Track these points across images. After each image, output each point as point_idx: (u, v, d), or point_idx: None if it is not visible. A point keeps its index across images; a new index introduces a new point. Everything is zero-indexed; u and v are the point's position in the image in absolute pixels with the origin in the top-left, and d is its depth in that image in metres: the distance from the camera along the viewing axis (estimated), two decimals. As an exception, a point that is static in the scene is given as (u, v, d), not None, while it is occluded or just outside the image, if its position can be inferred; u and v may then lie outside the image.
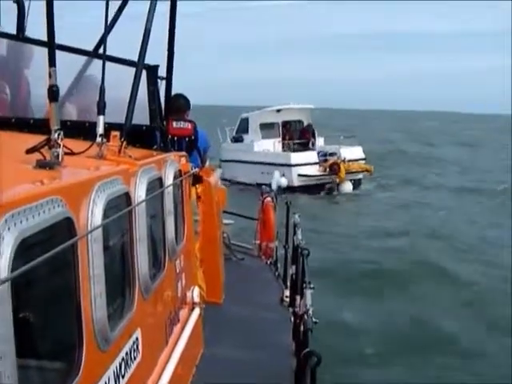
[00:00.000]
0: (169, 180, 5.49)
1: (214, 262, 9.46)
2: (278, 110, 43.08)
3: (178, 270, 5.97)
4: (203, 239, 9.15)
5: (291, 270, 9.85)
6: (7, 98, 6.80)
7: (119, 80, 5.54)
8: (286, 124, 42.90)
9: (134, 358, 4.21)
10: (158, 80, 6.14)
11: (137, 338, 4.29)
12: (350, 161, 39.24)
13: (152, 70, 5.98)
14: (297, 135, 42.81)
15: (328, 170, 38.70)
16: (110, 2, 4.62)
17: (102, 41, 5.49)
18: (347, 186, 39.38)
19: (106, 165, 4.26)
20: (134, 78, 5.26)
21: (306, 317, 6.21)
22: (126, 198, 4.09)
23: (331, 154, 40.03)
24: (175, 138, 8.72)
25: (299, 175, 39.04)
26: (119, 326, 3.85)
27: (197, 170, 7.95)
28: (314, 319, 6.18)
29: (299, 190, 37.84)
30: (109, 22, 5.91)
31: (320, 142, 42.23)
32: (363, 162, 40.52)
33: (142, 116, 6.14)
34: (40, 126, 4.13)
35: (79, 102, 6.72)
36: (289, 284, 10.09)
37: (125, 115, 5.28)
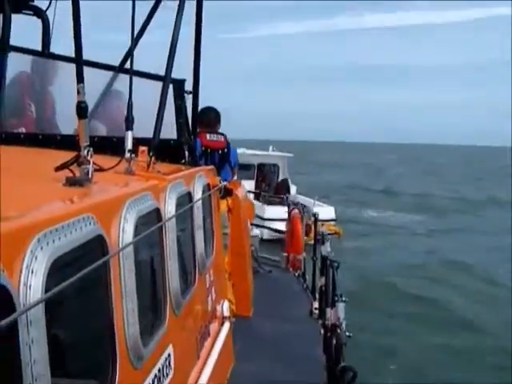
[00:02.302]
0: (198, 194, 5.47)
1: (243, 275, 9.42)
2: (258, 155, 42.97)
3: (207, 285, 5.94)
4: (231, 252, 9.13)
5: (320, 281, 9.78)
6: (33, 115, 6.84)
7: (147, 95, 5.53)
8: (260, 166, 42.57)
9: (167, 375, 4.17)
10: (185, 94, 6.13)
11: (169, 355, 4.26)
12: (320, 221, 38.48)
13: (178, 84, 5.98)
14: (271, 179, 42.47)
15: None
16: (136, 17, 4.60)
17: (128, 56, 5.49)
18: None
19: (136, 181, 4.24)
20: (161, 92, 5.26)
21: (338, 330, 6.14)
22: (157, 213, 4.06)
23: (304, 209, 39.37)
24: (208, 151, 8.75)
25: (270, 229, 38.72)
26: (151, 342, 3.82)
27: (226, 183, 7.95)
28: (347, 333, 6.11)
29: (266, 243, 37.56)
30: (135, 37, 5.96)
31: (292, 189, 41.79)
32: (333, 223, 40.06)
33: (170, 131, 6.14)
34: (67, 143, 4.13)
35: (107, 117, 6.74)
36: (317, 296, 10.02)
37: (153, 130, 5.28)
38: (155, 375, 3.91)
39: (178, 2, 5.49)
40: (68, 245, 2.62)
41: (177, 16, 5.46)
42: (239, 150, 43.42)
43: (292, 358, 7.74)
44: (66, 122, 6.34)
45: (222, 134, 9.07)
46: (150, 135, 5.81)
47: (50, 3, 6.20)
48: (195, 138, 6.39)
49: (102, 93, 6.65)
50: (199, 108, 9.25)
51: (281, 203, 40.35)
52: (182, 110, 6.03)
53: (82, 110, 3.62)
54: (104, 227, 3.08)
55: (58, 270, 2.52)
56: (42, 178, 3.66)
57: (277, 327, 8.97)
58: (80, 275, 2.33)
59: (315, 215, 36.49)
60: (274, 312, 9.74)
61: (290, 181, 42.02)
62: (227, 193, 8.09)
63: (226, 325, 6.59)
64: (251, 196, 10.99)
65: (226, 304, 6.77)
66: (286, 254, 12.71)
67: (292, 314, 9.85)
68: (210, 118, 9.01)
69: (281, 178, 42.99)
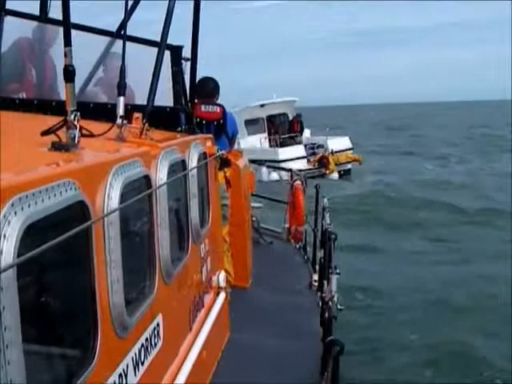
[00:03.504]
0: (193, 163, 5.40)
1: (242, 246, 9.36)
2: (262, 105, 42.78)
3: (202, 254, 5.88)
4: (231, 223, 9.07)
5: (320, 253, 9.73)
6: (33, 79, 6.76)
7: (148, 62, 5.44)
8: (270, 118, 42.61)
9: (155, 344, 4.13)
10: (183, 61, 6.03)
11: (158, 324, 4.21)
12: (337, 152, 38.91)
13: (176, 51, 5.88)
14: (283, 129, 42.45)
15: (317, 164, 38.39)
16: None
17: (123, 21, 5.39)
18: (333, 176, 38.89)
19: (126, 147, 4.17)
20: (156, 58, 5.16)
21: (330, 303, 6.08)
22: (146, 180, 4.00)
23: (318, 147, 39.83)
24: (203, 122, 8.66)
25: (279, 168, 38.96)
26: (138, 311, 3.77)
27: (224, 152, 7.86)
28: (339, 306, 6.05)
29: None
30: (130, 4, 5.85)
31: (306, 133, 41.83)
32: (351, 151, 40.06)
33: (169, 98, 6.06)
34: (63, 109, 4.03)
35: (108, 82, 6.64)
36: (317, 268, 9.97)
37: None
38: (142, 344, 3.87)
39: None
40: (45, 210, 2.56)
41: None
42: (241, 108, 43.53)
43: (288, 330, 7.70)
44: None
45: (219, 105, 8.97)
46: (158, 102, 5.76)
47: None
48: (193, 106, 6.29)
49: (101, 58, 6.56)
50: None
51: (294, 143, 40.70)
52: (179, 77, 5.94)
53: (69, 74, 3.52)
54: (87, 193, 3.01)
55: (34, 235, 2.46)
56: (27, 142, 3.60)
57: (274, 298, 8.93)
58: (57, 241, 2.27)
59: (332, 150, 36.19)
60: (272, 283, 9.69)
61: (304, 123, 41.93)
62: (225, 163, 8.00)
63: (222, 295, 6.55)
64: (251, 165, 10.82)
65: (223, 274, 6.72)
66: (287, 226, 12.61)
67: (291, 285, 9.80)
68: (207, 89, 8.91)
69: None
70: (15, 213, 2.35)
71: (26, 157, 3.17)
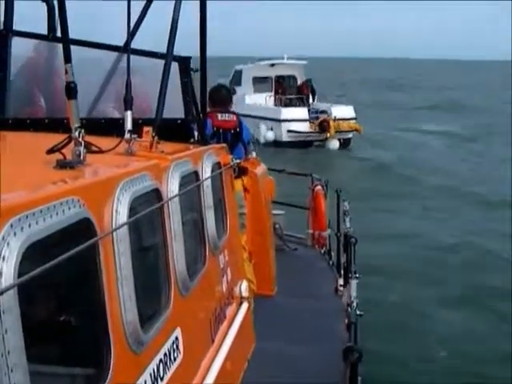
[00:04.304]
0: (206, 173, 5.35)
1: (265, 254, 9.31)
2: (272, 65, 43.45)
3: (222, 265, 5.83)
4: (252, 231, 9.01)
5: (343, 258, 9.65)
6: (42, 105, 6.72)
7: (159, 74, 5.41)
8: (279, 79, 43.09)
9: (175, 359, 4.08)
10: (192, 72, 5.99)
11: (176, 338, 4.16)
12: (340, 119, 38.89)
13: (184, 62, 5.85)
14: (291, 91, 42.66)
15: (317, 127, 38.42)
16: None
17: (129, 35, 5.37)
18: (334, 144, 39.09)
19: (135, 161, 4.14)
20: (163, 70, 5.13)
21: (349, 309, 5.99)
22: (156, 194, 3.96)
23: (322, 112, 39.92)
24: (220, 130, 8.63)
25: (289, 131, 39.09)
26: (154, 326, 3.72)
27: (240, 161, 7.81)
28: (358, 312, 5.96)
29: (286, 146, 37.97)
30: (137, 16, 5.84)
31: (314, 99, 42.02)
32: (354, 121, 40.00)
33: (180, 110, 6.03)
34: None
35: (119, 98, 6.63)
36: (342, 273, 9.89)
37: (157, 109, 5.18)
38: (160, 360, 3.82)
39: None
40: (48, 229, 2.53)
41: None
42: (252, 65, 43.82)
43: (313, 336, 7.63)
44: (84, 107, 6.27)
45: (234, 113, 8.95)
46: (167, 115, 5.73)
47: None
48: (205, 116, 6.26)
49: (111, 73, 6.53)
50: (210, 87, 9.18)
51: (298, 105, 40.89)
52: (189, 88, 5.90)
53: (71, 91, 3.52)
54: (93, 210, 2.98)
55: (37, 254, 2.43)
56: (33, 161, 3.58)
57: (300, 305, 8.86)
58: (59, 259, 2.24)
59: (335, 117, 36.40)
60: (298, 290, 9.63)
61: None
62: (242, 172, 7.95)
63: (245, 305, 6.48)
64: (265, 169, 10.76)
65: (245, 284, 6.65)
66: (311, 231, 12.52)
67: (317, 291, 9.72)
68: (221, 97, 8.90)
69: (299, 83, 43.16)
70: (14, 233, 2.32)
71: (31, 176, 3.15)
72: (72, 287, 2.95)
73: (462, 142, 44.30)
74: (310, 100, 41.45)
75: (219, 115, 8.71)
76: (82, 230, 2.85)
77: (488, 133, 48.11)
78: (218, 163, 5.87)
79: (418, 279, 16.69)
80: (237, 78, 44.00)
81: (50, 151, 3.43)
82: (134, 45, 6.13)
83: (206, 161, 5.46)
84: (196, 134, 5.96)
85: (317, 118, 39.27)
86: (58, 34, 6.39)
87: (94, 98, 6.41)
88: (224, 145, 6.77)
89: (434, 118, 57.43)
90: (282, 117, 39.10)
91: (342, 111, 39.77)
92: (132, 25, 5.70)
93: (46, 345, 2.67)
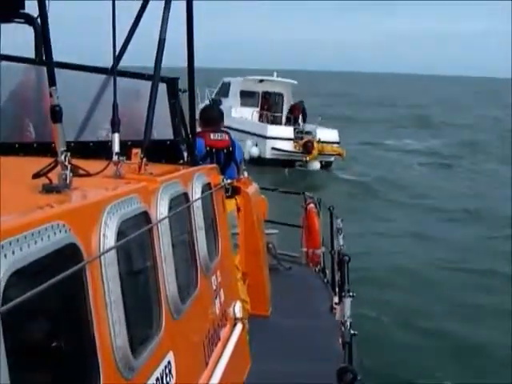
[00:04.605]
0: (196, 194, 5.31)
1: (259, 274, 9.26)
2: (261, 80, 43.58)
3: (214, 287, 5.77)
4: (246, 251, 8.97)
5: (337, 276, 9.61)
6: (31, 135, 6.66)
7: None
8: (265, 94, 43.25)
9: (167, 383, 4.02)
10: (180, 93, 5.97)
11: (169, 362, 4.10)
12: (324, 142, 39.10)
13: (171, 83, 5.82)
14: (276, 108, 43.02)
15: (301, 147, 38.59)
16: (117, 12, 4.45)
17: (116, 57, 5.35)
18: (316, 165, 39.32)
19: (123, 184, 4.09)
20: (150, 92, 5.10)
21: (343, 328, 5.94)
22: (145, 217, 3.91)
23: (307, 133, 40.19)
24: (213, 150, 8.59)
25: (272, 148, 39.19)
26: (145, 351, 3.66)
27: (232, 181, 7.77)
28: (352, 331, 5.90)
29: (269, 163, 38.05)
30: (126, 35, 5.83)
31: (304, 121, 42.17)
32: (337, 145, 40.15)
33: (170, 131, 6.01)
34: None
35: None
36: (337, 291, 9.85)
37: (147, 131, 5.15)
38: None
39: None
40: (32, 255, 2.48)
41: (164, 12, 5.30)
42: (241, 78, 44.11)
43: (309, 354, 7.57)
44: (69, 129, 6.22)
45: (226, 132, 8.91)
46: (160, 136, 5.71)
47: (43, 10, 6.08)
48: (194, 137, 6.22)
49: (100, 95, 6.49)
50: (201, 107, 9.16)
51: (287, 124, 41.05)
52: (177, 110, 5.87)
53: (56, 114, 3.48)
54: (79, 234, 2.93)
55: (22, 281, 2.39)
56: (19, 185, 3.53)
57: (295, 324, 8.80)
58: (45, 286, 2.20)
59: (319, 139, 36.75)
60: (293, 309, 9.58)
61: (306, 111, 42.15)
62: (235, 191, 7.90)
63: (239, 326, 6.42)
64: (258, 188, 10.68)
65: (238, 305, 6.59)
66: (305, 250, 12.50)
67: (312, 310, 9.67)
68: (212, 117, 8.87)
69: (285, 103, 43.43)
70: None
71: (16, 201, 3.10)
72: (59, 313, 2.90)
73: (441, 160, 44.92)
74: (300, 121, 41.55)
75: (211, 135, 8.67)
76: (68, 255, 2.80)
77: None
78: (209, 184, 5.83)
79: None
80: (224, 90, 44.07)
81: (36, 175, 3.39)
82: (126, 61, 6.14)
83: (196, 182, 5.42)
84: (186, 154, 5.93)
85: (301, 138, 39.45)
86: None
87: (87, 121, 6.36)
88: (215, 165, 6.74)
89: (411, 135, 58.24)
90: (268, 134, 39.29)
91: (327, 134, 39.96)
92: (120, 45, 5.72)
93: (31, 372, 2.61)
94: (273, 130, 39.72)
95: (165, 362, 4.02)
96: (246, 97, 43.24)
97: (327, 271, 11.81)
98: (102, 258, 3.17)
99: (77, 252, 2.87)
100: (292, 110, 42.31)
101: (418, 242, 22.76)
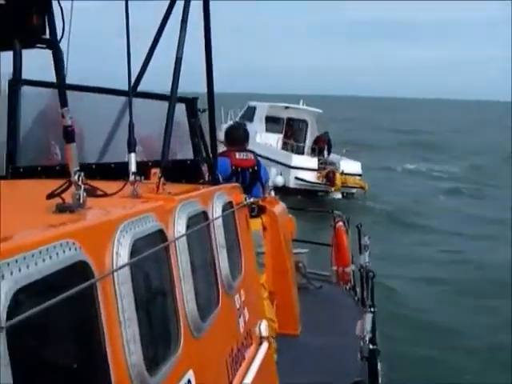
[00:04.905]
0: (217, 213, 5.31)
1: (287, 293, 9.25)
2: (287, 107, 43.47)
3: (238, 305, 5.76)
4: (273, 271, 8.96)
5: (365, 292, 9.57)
6: (58, 157, 6.75)
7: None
8: (289, 121, 43.16)
9: None
10: (199, 112, 6.00)
11: (189, 381, 4.08)
12: (347, 174, 38.91)
13: (190, 103, 5.86)
14: (299, 135, 42.98)
15: (324, 178, 38.42)
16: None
17: (136, 78, 5.40)
18: (337, 195, 39.14)
19: (139, 203, 4.11)
20: (167, 111, 5.13)
21: (361, 343, 5.89)
22: (161, 235, 3.92)
23: (331, 163, 40.05)
24: (239, 169, 8.61)
25: (296, 178, 38.95)
26: (162, 369, 3.65)
27: (256, 200, 7.78)
28: (371, 346, 5.85)
29: (292, 192, 37.56)
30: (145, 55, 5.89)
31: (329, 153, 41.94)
32: (359, 178, 39.82)
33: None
34: (86, 171, 3.98)
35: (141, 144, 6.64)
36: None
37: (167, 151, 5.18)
38: None
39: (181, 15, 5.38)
40: (39, 272, 2.50)
41: (180, 31, 5.34)
42: (268, 103, 44.15)
43: (338, 374, 7.51)
44: (94, 152, 6.29)
45: (252, 152, 8.93)
46: (185, 156, 5.75)
47: (63, 34, 6.17)
48: (215, 156, 6.24)
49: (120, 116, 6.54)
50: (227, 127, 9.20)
51: (311, 154, 40.92)
52: (196, 129, 5.90)
53: (68, 135, 3.51)
54: (90, 253, 2.94)
55: (28, 299, 2.40)
56: (33, 207, 3.57)
57: (324, 343, 8.76)
58: (52, 302, 2.22)
59: (342, 171, 36.34)
60: (323, 328, 9.54)
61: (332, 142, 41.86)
62: (261, 210, 7.90)
63: (265, 345, 6.38)
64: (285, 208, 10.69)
65: (264, 324, 6.56)
66: (335, 268, 12.46)
67: (341, 328, 9.61)
68: (238, 136, 8.90)
69: (309, 132, 43.34)
70: (2, 277, 2.29)
71: (28, 221, 3.13)
72: (69, 331, 2.91)
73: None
74: (325, 152, 41.44)
75: (237, 154, 8.70)
76: (78, 273, 2.81)
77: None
78: (230, 203, 5.83)
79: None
80: (249, 114, 43.88)
81: (50, 196, 3.42)
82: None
83: (217, 201, 5.42)
84: (207, 174, 5.94)
85: (324, 168, 39.33)
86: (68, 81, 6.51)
87: (109, 143, 6.42)
88: (237, 184, 6.74)
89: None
90: (293, 163, 39.05)
91: (350, 166, 39.77)
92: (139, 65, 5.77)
93: None
94: (297, 159, 39.55)
95: (184, 380, 4.01)
96: (271, 122, 43.19)
97: (358, 289, 11.75)
98: (116, 275, 3.18)
99: (87, 270, 2.88)
100: (317, 141, 42.15)
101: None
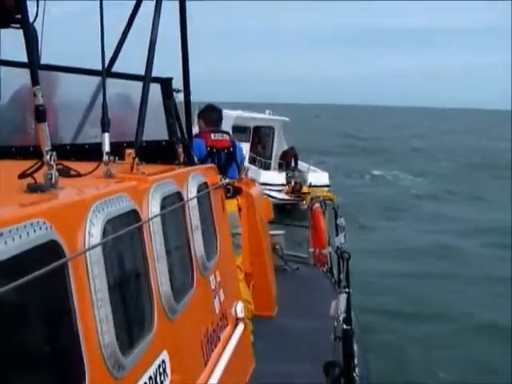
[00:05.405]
0: (192, 194, 5.30)
1: (264, 274, 9.26)
2: (254, 118, 43.36)
3: (213, 286, 5.76)
4: (249, 252, 8.96)
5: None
6: (33, 134, 6.69)
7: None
8: (256, 128, 42.91)
9: (162, 382, 4.00)
10: (174, 93, 5.95)
11: (163, 361, 4.08)
12: (314, 186, 38.56)
13: (165, 83, 5.81)
14: (266, 142, 42.89)
15: (290, 191, 38.00)
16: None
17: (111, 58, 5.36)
18: (303, 206, 38.90)
19: (112, 183, 4.08)
20: (141, 92, 5.09)
21: (335, 323, 5.91)
22: (135, 215, 3.90)
23: (298, 177, 39.61)
24: (214, 150, 8.58)
25: (266, 195, 38.38)
26: (136, 349, 3.64)
27: (232, 180, 7.75)
28: (344, 326, 5.88)
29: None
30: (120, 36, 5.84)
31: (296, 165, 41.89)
32: (327, 189, 39.84)
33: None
34: (60, 152, 3.93)
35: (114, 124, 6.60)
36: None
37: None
38: (145, 383, 3.74)
39: None
40: (9, 251, 2.47)
41: (155, 11, 5.29)
42: (235, 112, 44.02)
43: (312, 354, 7.53)
44: (70, 132, 6.22)
45: (227, 133, 8.91)
46: (159, 137, 5.71)
47: (37, 15, 6.09)
48: (190, 137, 6.21)
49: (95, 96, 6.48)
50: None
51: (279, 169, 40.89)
52: (172, 110, 5.86)
53: (40, 114, 3.47)
54: (61, 232, 2.92)
55: None
56: (4, 187, 3.53)
57: (300, 324, 8.78)
58: (19, 282, 2.20)
59: (310, 183, 35.99)
60: (299, 309, 9.56)
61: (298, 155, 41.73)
62: (236, 192, 7.89)
63: (240, 326, 6.39)
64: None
65: (240, 305, 6.57)
66: (312, 250, 12.48)
67: (318, 310, 9.61)
68: (213, 117, 8.86)
69: (276, 141, 43.01)
70: None
71: None
72: (39, 311, 2.88)
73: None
74: (292, 165, 41.40)
75: (212, 135, 8.66)
76: (49, 252, 2.79)
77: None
78: (205, 183, 5.81)
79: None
80: None
81: (22, 176, 3.38)
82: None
83: (192, 181, 5.40)
84: (181, 155, 5.92)
85: (290, 182, 39.25)
86: (43, 60, 6.44)
87: (83, 123, 6.35)
88: (212, 165, 6.71)
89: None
90: (261, 180, 38.71)
91: (318, 178, 39.61)
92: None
93: (13, 373, 2.60)
94: (266, 175, 38.87)
95: (158, 361, 4.01)
96: (238, 132, 43.03)
97: (335, 271, 11.79)
98: (88, 255, 3.16)
99: (58, 249, 2.86)
100: (284, 155, 42.05)
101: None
